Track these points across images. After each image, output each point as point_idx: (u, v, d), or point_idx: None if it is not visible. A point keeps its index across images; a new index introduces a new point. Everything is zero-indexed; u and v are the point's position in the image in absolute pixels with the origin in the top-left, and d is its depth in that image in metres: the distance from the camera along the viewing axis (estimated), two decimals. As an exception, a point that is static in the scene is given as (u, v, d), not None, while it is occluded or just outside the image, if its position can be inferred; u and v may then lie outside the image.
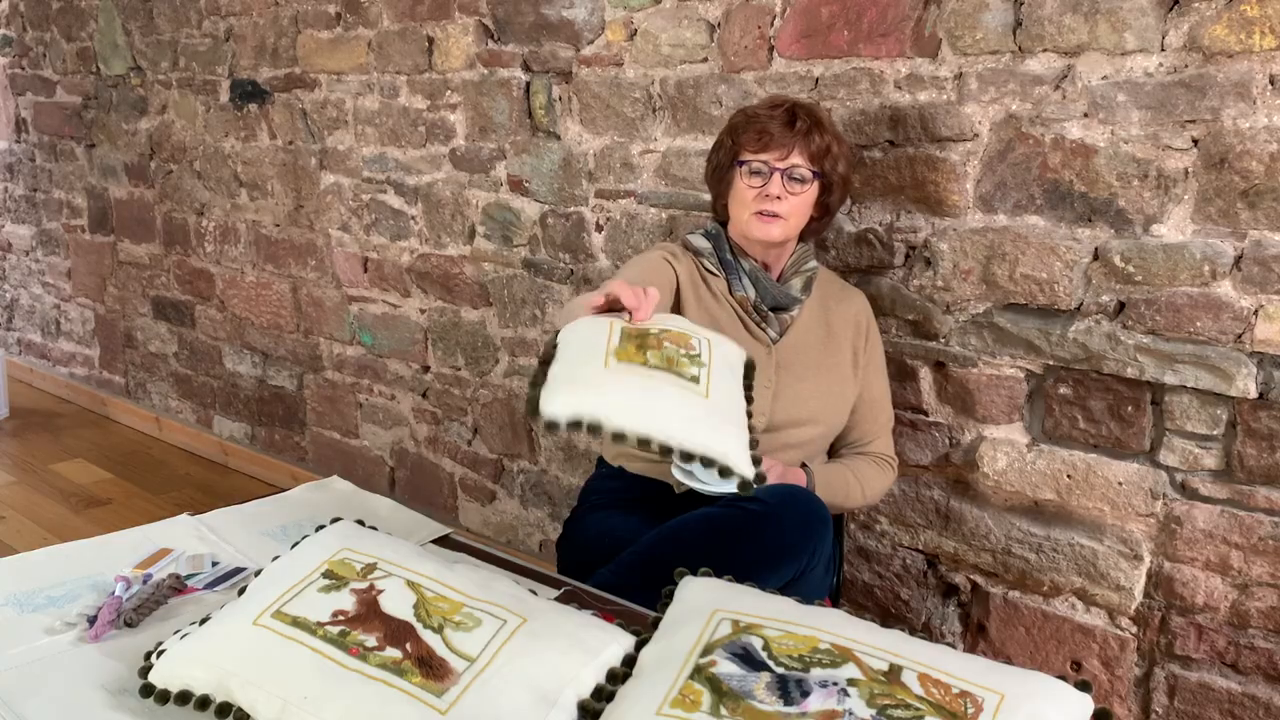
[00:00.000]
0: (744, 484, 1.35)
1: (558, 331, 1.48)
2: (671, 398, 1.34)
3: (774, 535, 1.62)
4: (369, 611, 1.36)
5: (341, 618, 1.35)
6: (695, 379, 1.39)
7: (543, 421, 1.32)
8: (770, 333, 1.85)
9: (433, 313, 2.91)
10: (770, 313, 1.85)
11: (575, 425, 1.31)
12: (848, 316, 1.90)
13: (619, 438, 1.29)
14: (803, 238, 1.90)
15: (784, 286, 1.86)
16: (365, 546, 1.52)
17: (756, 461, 1.36)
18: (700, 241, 1.90)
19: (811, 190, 1.81)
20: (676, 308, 1.84)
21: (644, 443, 1.30)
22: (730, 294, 1.86)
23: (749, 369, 1.52)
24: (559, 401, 1.32)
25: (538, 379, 1.37)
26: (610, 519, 1.84)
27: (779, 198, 1.77)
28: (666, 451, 1.31)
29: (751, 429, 1.40)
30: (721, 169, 1.88)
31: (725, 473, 1.62)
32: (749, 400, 1.48)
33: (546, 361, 1.40)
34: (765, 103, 1.85)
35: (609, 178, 2.42)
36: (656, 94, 2.29)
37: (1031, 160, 1.79)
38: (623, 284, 1.47)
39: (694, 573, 1.42)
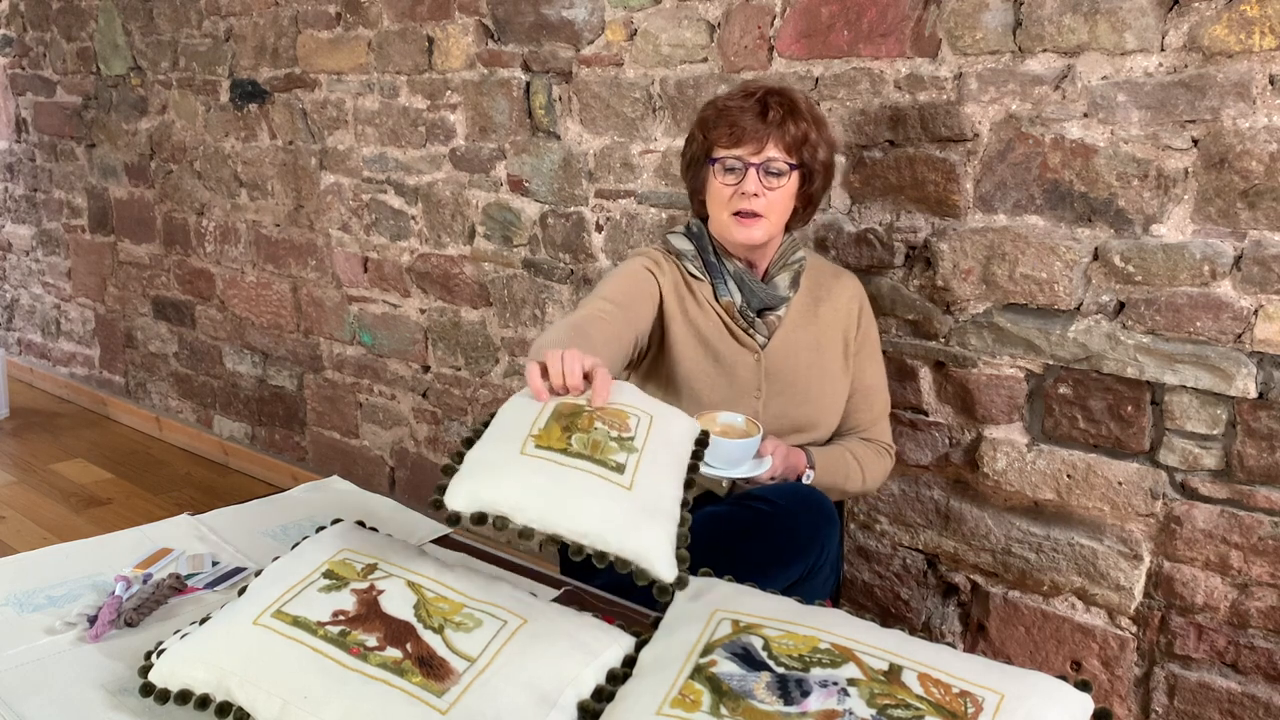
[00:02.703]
0: (661, 589, 1.24)
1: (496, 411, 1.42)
2: (587, 491, 1.24)
3: (783, 534, 1.60)
4: (369, 612, 1.36)
5: (342, 618, 1.35)
6: (620, 467, 1.28)
7: (446, 514, 1.25)
8: (758, 338, 1.78)
9: (433, 313, 2.91)
10: (757, 316, 1.78)
11: (480, 519, 1.24)
12: (839, 305, 1.83)
13: (526, 534, 1.23)
14: (788, 229, 1.81)
15: (770, 286, 1.78)
16: (366, 547, 1.52)
17: (683, 560, 1.27)
18: (682, 243, 1.81)
19: (791, 182, 1.71)
20: (661, 322, 1.77)
21: (555, 540, 1.23)
22: (716, 299, 1.78)
23: (699, 445, 1.41)
24: (463, 491, 1.26)
25: (452, 464, 1.31)
26: None
27: (756, 195, 1.68)
28: (579, 551, 1.22)
29: (684, 519, 1.29)
30: (695, 165, 1.78)
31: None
32: (690, 484, 1.35)
33: (470, 441, 1.35)
34: (736, 92, 1.74)
35: (609, 178, 2.42)
36: (656, 94, 2.29)
37: (1031, 160, 1.79)
38: (554, 354, 1.37)
39: (694, 572, 1.42)
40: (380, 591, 1.37)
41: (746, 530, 1.61)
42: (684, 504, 1.32)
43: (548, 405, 1.35)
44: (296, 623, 1.34)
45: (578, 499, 1.24)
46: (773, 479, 1.67)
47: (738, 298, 1.77)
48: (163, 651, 1.39)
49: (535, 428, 1.32)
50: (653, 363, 1.80)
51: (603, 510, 1.23)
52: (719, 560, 1.45)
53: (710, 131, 1.73)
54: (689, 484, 1.35)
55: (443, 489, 1.28)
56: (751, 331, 1.78)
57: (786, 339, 1.80)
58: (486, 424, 1.38)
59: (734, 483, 1.72)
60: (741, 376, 1.77)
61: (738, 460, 1.63)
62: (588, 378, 1.37)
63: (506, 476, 1.26)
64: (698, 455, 1.41)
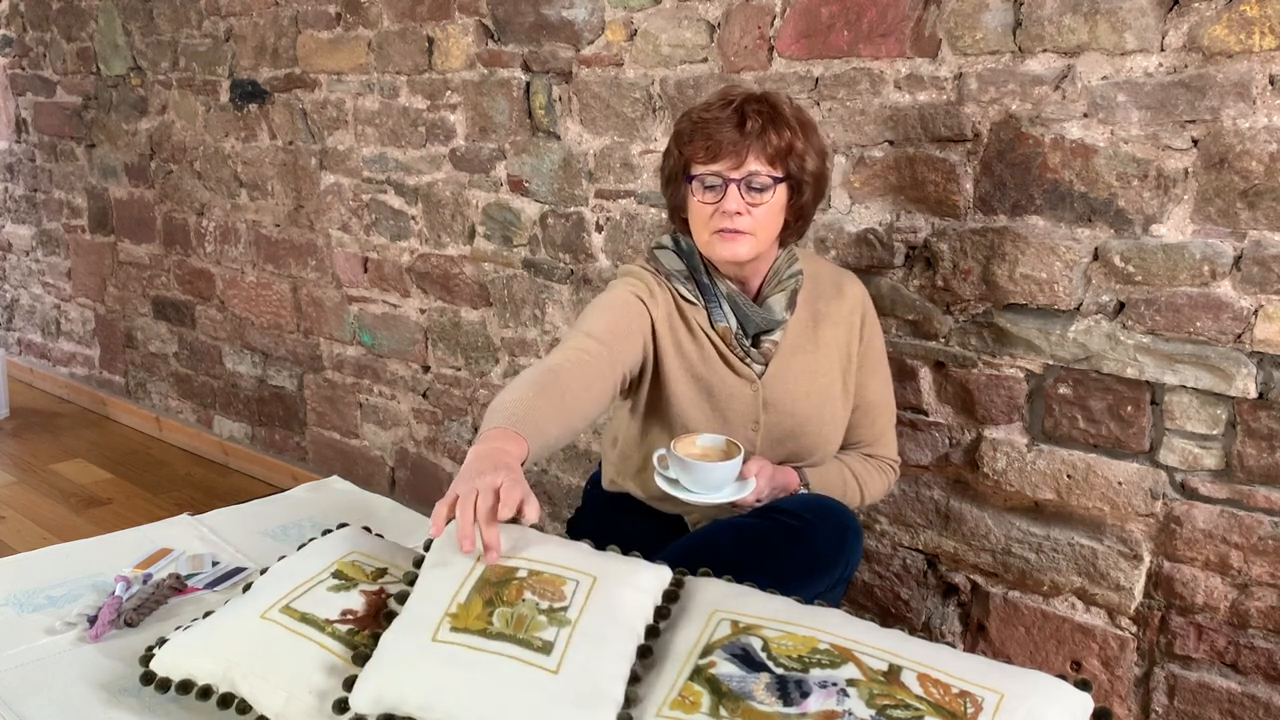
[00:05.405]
0: None
1: (429, 545, 1.33)
2: (503, 684, 1.15)
3: (809, 549, 1.57)
4: (378, 614, 1.36)
5: (350, 617, 1.35)
6: (546, 646, 1.18)
7: (350, 717, 1.20)
8: (755, 367, 1.68)
9: (433, 313, 2.91)
10: (753, 344, 1.68)
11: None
12: (840, 320, 1.74)
13: None
14: (782, 242, 1.70)
15: (764, 309, 1.67)
16: (377, 552, 1.52)
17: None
18: (673, 261, 1.69)
19: (777, 197, 1.60)
20: (654, 354, 1.66)
21: None
22: (711, 326, 1.67)
23: (662, 608, 1.32)
24: (369, 690, 1.19)
25: (366, 650, 1.26)
26: (623, 523, 1.80)
27: (739, 213, 1.56)
28: None
29: (629, 698, 1.19)
30: (674, 181, 1.66)
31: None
32: (646, 652, 1.25)
33: (402, 597, 1.30)
34: (713, 101, 1.62)
35: (609, 178, 2.42)
36: (656, 94, 2.29)
37: (1031, 160, 1.79)
38: (465, 500, 1.24)
39: (693, 572, 1.42)
40: (390, 595, 1.37)
41: (773, 544, 1.56)
42: (632, 679, 1.22)
43: (472, 573, 1.27)
44: (305, 619, 1.35)
45: (491, 694, 1.15)
46: (759, 501, 1.62)
47: (733, 323, 1.67)
48: (164, 642, 1.40)
49: (454, 603, 1.23)
50: (645, 394, 1.71)
51: (520, 704, 1.14)
52: (739, 572, 1.41)
53: (686, 146, 1.61)
54: (645, 652, 1.25)
55: (351, 682, 1.22)
56: (748, 360, 1.69)
57: (784, 366, 1.70)
58: (410, 583, 1.31)
59: (722, 508, 1.64)
60: (738, 409, 1.69)
61: (719, 484, 1.55)
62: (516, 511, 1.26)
63: (414, 672, 1.18)
64: (672, 597, 1.34)
